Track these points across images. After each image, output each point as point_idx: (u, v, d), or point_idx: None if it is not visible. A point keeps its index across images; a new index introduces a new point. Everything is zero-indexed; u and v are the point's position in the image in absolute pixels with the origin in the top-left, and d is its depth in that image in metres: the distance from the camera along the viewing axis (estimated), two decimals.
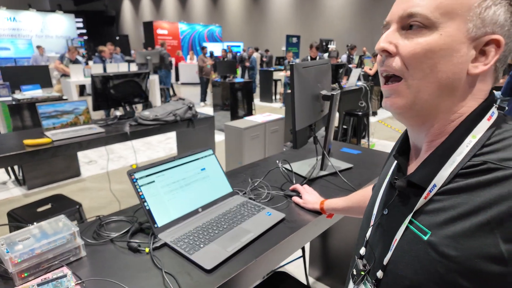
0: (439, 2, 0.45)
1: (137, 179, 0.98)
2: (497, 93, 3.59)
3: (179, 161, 1.10)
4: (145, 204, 0.97)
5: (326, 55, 7.96)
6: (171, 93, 8.42)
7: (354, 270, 0.61)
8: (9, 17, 14.18)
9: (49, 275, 0.73)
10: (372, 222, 0.62)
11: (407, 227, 0.49)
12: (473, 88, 0.48)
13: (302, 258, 1.97)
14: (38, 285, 0.70)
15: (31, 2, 17.64)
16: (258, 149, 3.38)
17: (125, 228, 0.99)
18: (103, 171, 3.98)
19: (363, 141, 4.81)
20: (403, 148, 0.59)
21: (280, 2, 16.82)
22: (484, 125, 0.47)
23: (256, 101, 8.68)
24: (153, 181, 1.01)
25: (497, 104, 0.51)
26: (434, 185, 0.47)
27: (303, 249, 1.94)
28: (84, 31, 20.09)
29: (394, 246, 0.51)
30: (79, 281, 0.73)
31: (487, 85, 0.49)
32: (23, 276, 0.77)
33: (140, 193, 0.97)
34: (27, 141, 1.89)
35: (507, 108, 3.70)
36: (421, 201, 0.48)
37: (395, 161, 0.61)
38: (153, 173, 1.02)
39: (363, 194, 0.93)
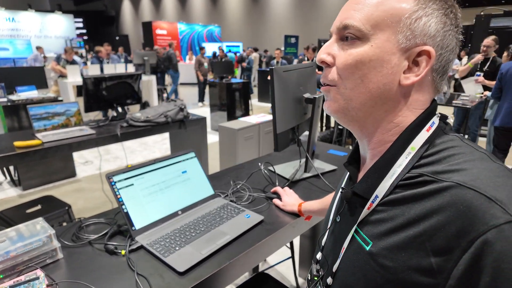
0: (370, 14, 0.46)
1: (115, 182, 0.99)
2: (489, 94, 3.61)
3: (159, 164, 1.11)
4: (123, 207, 0.98)
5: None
6: (172, 95, 8.48)
7: (309, 275, 0.63)
8: (8, 17, 14.21)
9: (22, 278, 0.74)
10: (328, 228, 0.63)
11: (353, 237, 0.50)
12: (408, 98, 0.48)
13: (291, 259, 1.98)
14: (10, 287, 0.71)
15: (31, 2, 17.69)
16: (252, 150, 3.39)
17: (104, 230, 1.00)
18: (98, 172, 4.00)
19: None
20: (354, 157, 0.59)
21: (279, 2, 16.83)
22: (423, 136, 0.47)
23: (254, 101, 8.71)
24: (132, 184, 1.02)
25: (439, 113, 0.51)
26: (376, 196, 0.48)
27: (292, 249, 1.95)
28: (84, 31, 20.14)
29: (342, 254, 0.52)
30: (52, 283, 0.74)
31: (425, 96, 0.48)
32: None
33: (118, 196, 0.98)
34: (17, 143, 1.90)
35: (489, 110, 3.71)
36: (365, 211, 0.49)
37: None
38: (132, 176, 1.03)
39: None
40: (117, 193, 0.98)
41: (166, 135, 5.49)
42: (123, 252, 0.90)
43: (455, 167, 0.42)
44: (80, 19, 19.50)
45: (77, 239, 0.98)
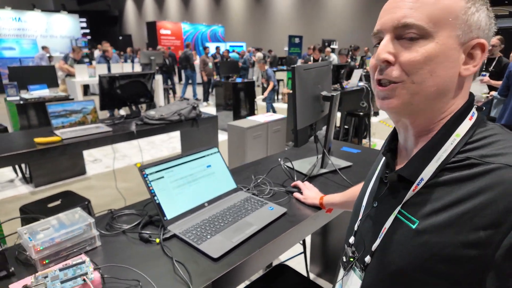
0: (431, 13, 0.49)
1: (147, 175, 1.05)
2: (495, 94, 3.64)
3: (186, 158, 1.16)
4: (155, 198, 1.03)
5: (332, 55, 8.01)
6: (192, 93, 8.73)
7: (344, 257, 0.67)
8: (14, 17, 14.30)
9: (69, 261, 0.79)
10: (361, 214, 0.67)
11: (396, 217, 0.55)
12: (461, 88, 0.53)
13: (303, 254, 2.03)
14: (60, 270, 0.76)
15: (35, 2, 17.80)
16: (260, 148, 3.44)
17: (136, 221, 1.05)
18: (107, 170, 4.06)
19: (364, 141, 4.86)
20: (391, 146, 0.64)
21: (282, 2, 16.87)
22: (466, 124, 0.52)
23: (259, 101, 8.74)
24: (162, 177, 1.07)
25: (476, 105, 0.56)
26: (422, 179, 0.52)
27: (304, 245, 2.00)
28: (87, 31, 20.23)
29: (382, 234, 0.56)
30: (97, 267, 0.79)
31: (470, 84, 0.54)
32: (44, 262, 0.84)
33: (151, 188, 1.03)
34: (38, 139, 1.96)
35: (493, 110, 3.76)
36: (410, 193, 0.53)
37: (383, 158, 0.66)
38: (162, 169, 1.08)
39: (358, 189, 0.99)
40: (149, 185, 1.04)
41: (173, 134, 5.55)
42: (157, 240, 0.95)
43: (501, 151, 0.46)
44: (84, 19, 19.60)
45: (110, 228, 1.03)
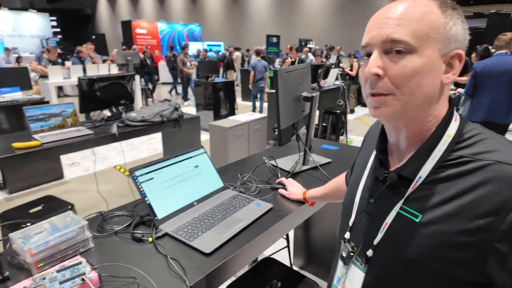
0: (415, 29, 0.53)
1: (137, 177, 1.08)
2: (462, 91, 3.87)
3: (174, 159, 1.20)
4: (146, 199, 1.06)
5: (310, 55, 8.17)
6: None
7: (343, 252, 0.71)
8: None
9: (66, 263, 0.82)
10: (354, 210, 0.72)
11: (398, 213, 0.60)
12: (443, 94, 0.59)
13: (286, 248, 2.11)
14: (58, 271, 0.78)
15: (0, 0, 16.95)
16: (242, 147, 3.49)
17: (127, 222, 1.08)
18: (87, 173, 3.98)
19: (341, 137, 5.02)
20: (381, 147, 0.69)
21: (259, 2, 16.95)
22: (454, 125, 0.59)
23: (238, 100, 8.78)
24: (152, 178, 1.11)
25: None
26: (420, 177, 0.58)
27: (287, 239, 2.08)
28: (58, 30, 19.48)
29: (384, 229, 0.62)
30: (93, 267, 0.82)
31: (449, 89, 0.61)
32: (39, 266, 0.85)
33: (141, 189, 1.07)
34: (16, 144, 1.92)
35: (461, 108, 4.01)
36: (410, 190, 0.59)
37: (372, 157, 0.72)
38: (151, 170, 1.12)
39: (337, 182, 1.07)
40: (140, 186, 1.07)
41: (153, 135, 5.49)
42: (150, 239, 0.99)
43: (489, 148, 0.54)
44: (54, 18, 18.84)
45: (101, 229, 1.05)
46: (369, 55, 0.59)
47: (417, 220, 0.57)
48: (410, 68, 0.54)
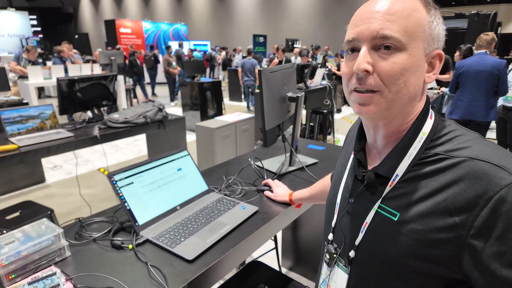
0: (405, 26, 0.53)
1: (116, 181, 1.03)
2: (446, 90, 3.95)
3: (156, 163, 1.16)
4: (126, 204, 1.02)
5: (294, 57, 8.20)
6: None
7: (326, 254, 0.70)
8: None
9: (39, 274, 0.77)
10: (336, 211, 0.70)
11: (376, 211, 0.60)
12: (423, 93, 0.59)
13: (275, 250, 2.09)
14: (29, 283, 0.74)
15: None
16: (229, 148, 3.45)
17: (106, 228, 1.03)
18: (69, 176, 3.86)
19: (328, 137, 5.04)
20: (360, 145, 0.68)
21: (245, 1, 16.91)
22: (429, 123, 0.59)
23: (225, 100, 8.74)
24: (132, 182, 1.07)
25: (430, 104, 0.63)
26: (397, 175, 0.58)
27: (275, 241, 2.06)
28: (38, 29, 18.95)
29: (364, 229, 0.61)
30: (68, 278, 0.78)
31: (427, 88, 0.61)
32: (10, 278, 0.80)
33: (120, 194, 1.02)
34: None
35: (444, 107, 4.10)
36: (387, 189, 0.59)
37: (352, 156, 0.71)
38: (131, 174, 1.07)
39: (323, 183, 1.06)
40: (119, 191, 1.02)
41: (138, 136, 5.39)
42: (130, 246, 0.95)
43: (462, 145, 0.54)
44: (34, 16, 18.30)
45: (79, 237, 1.01)
46: (353, 50, 0.58)
47: (395, 219, 0.56)
48: (399, 65, 0.53)
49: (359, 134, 0.69)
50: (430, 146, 0.57)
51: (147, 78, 10.30)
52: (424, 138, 0.57)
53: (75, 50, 8.05)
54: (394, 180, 0.58)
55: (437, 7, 0.57)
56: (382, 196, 0.59)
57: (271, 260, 2.30)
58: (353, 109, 0.59)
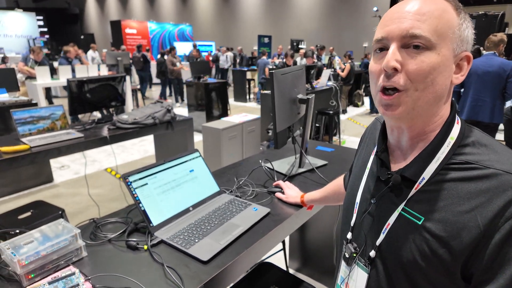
0: (435, 26, 0.53)
1: (131, 182, 1.05)
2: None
3: (169, 164, 1.17)
4: (140, 205, 1.03)
5: (300, 58, 8.22)
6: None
7: (346, 253, 0.71)
8: None
9: (58, 274, 0.79)
10: (355, 210, 0.71)
11: (400, 214, 0.60)
12: (449, 95, 0.60)
13: (282, 251, 2.09)
14: (49, 283, 0.75)
15: None
16: (236, 149, 3.47)
17: (121, 229, 1.05)
18: (77, 176, 3.90)
19: (334, 138, 5.03)
20: (382, 145, 0.68)
21: (250, 1, 16.92)
22: (456, 128, 0.59)
23: (231, 100, 8.76)
24: (146, 183, 1.08)
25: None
26: (423, 178, 0.58)
27: (283, 242, 2.06)
28: (45, 29, 19.12)
29: (387, 230, 0.61)
30: (87, 278, 0.79)
31: (452, 92, 0.61)
32: (30, 277, 0.82)
33: (135, 195, 1.04)
34: (3, 148, 1.86)
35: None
36: (412, 191, 0.59)
37: (372, 157, 0.71)
38: (145, 176, 1.09)
39: (336, 184, 1.06)
40: (133, 192, 1.04)
41: (144, 136, 5.42)
42: (145, 247, 0.96)
43: (492, 156, 0.54)
44: (41, 17, 18.46)
45: (95, 237, 1.02)
46: (382, 49, 0.58)
47: (419, 223, 0.57)
48: (428, 64, 0.53)
49: (382, 134, 0.69)
50: (458, 152, 0.57)
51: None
52: (452, 143, 0.58)
53: (80, 51, 8.10)
54: (420, 183, 0.58)
55: (465, 11, 0.58)
56: (407, 199, 0.59)
57: (278, 261, 2.30)
58: (379, 110, 0.60)
